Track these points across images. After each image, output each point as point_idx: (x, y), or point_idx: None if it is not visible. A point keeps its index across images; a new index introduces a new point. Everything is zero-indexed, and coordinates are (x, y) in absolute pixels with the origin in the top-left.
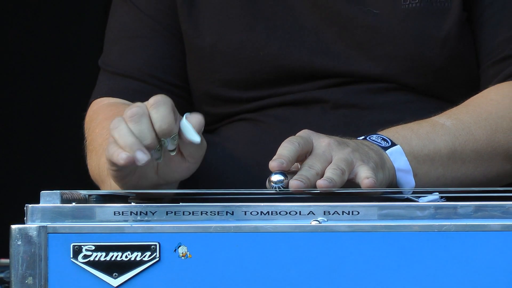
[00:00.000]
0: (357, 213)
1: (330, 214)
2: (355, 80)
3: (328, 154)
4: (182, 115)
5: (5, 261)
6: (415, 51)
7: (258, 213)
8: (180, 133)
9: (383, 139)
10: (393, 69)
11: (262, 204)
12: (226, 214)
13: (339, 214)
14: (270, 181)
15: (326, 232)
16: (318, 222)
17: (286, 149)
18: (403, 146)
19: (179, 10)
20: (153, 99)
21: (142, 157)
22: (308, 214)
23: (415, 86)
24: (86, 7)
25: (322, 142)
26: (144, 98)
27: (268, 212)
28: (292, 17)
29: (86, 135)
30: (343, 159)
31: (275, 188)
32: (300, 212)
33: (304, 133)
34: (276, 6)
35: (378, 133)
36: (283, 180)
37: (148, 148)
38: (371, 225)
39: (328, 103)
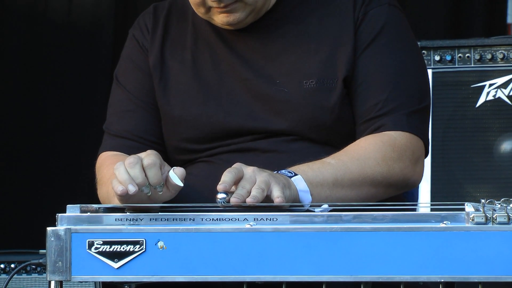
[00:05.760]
0: (276, 219)
1: (258, 220)
2: (274, 134)
3: (253, 177)
4: None
5: (43, 251)
6: (313, 116)
7: (210, 219)
8: (168, 178)
9: (289, 172)
10: (299, 127)
11: (213, 213)
12: (189, 220)
13: (264, 220)
14: (217, 198)
15: (256, 232)
16: (250, 226)
17: (227, 176)
18: (302, 176)
19: (156, 91)
20: (147, 160)
21: (132, 188)
22: (243, 220)
23: (314, 138)
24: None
25: (249, 170)
26: (134, 151)
27: (217, 218)
28: (232, 95)
29: (97, 175)
30: (263, 180)
31: (220, 203)
32: (238, 218)
33: (237, 165)
34: (221, 88)
35: (286, 169)
36: (225, 197)
37: (139, 185)
38: (286, 227)
39: (258, 150)
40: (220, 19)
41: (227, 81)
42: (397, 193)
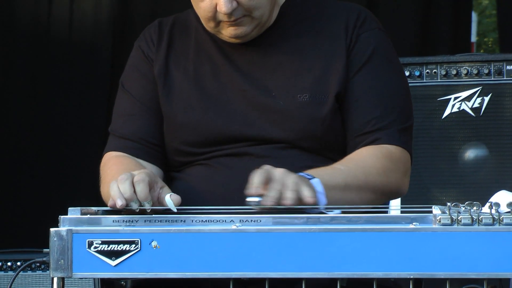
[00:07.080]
0: (260, 221)
1: (243, 221)
2: (269, 141)
3: (283, 179)
4: (161, 165)
5: (46, 250)
6: (305, 126)
7: (200, 221)
8: (164, 202)
9: (307, 174)
10: (291, 136)
11: (202, 215)
12: (181, 222)
13: (249, 221)
14: (249, 201)
15: (242, 232)
16: (236, 227)
17: (258, 179)
18: (320, 179)
19: (160, 97)
20: (137, 177)
21: (119, 202)
22: (230, 221)
23: (305, 146)
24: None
25: (277, 172)
26: (136, 152)
27: (206, 220)
28: (230, 104)
29: (101, 174)
30: (294, 182)
31: (254, 205)
32: (225, 220)
33: (266, 166)
34: (221, 98)
35: (304, 172)
36: (258, 200)
37: (127, 199)
38: (268, 228)
39: (253, 155)
40: (228, 32)
41: (226, 91)
42: (388, 200)
